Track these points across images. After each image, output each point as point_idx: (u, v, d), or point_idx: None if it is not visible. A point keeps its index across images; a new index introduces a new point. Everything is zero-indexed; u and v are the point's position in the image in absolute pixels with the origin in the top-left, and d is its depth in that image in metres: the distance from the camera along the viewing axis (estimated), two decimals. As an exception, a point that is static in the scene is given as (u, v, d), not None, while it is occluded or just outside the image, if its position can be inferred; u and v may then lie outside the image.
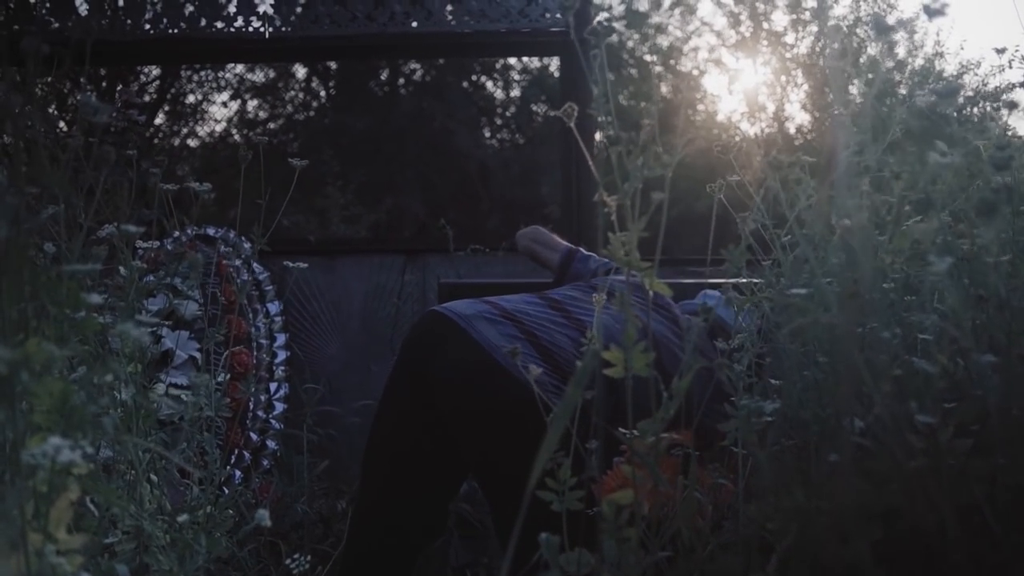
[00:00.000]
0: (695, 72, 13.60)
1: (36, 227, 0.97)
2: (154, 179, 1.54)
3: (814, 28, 11.10)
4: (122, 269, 1.38)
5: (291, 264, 1.70)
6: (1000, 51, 1.56)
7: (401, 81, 13.56)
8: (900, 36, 9.81)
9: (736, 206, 1.32)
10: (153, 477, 1.39)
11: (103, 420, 0.83)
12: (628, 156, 0.93)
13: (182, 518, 1.19)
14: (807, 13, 11.47)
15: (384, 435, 1.89)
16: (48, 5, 3.30)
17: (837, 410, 0.97)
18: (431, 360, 1.77)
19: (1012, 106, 1.59)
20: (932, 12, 0.90)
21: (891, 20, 0.92)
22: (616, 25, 13.59)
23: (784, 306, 1.09)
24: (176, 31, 3.42)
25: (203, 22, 3.44)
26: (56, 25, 3.41)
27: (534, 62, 12.83)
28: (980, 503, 0.93)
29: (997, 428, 0.93)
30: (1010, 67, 1.93)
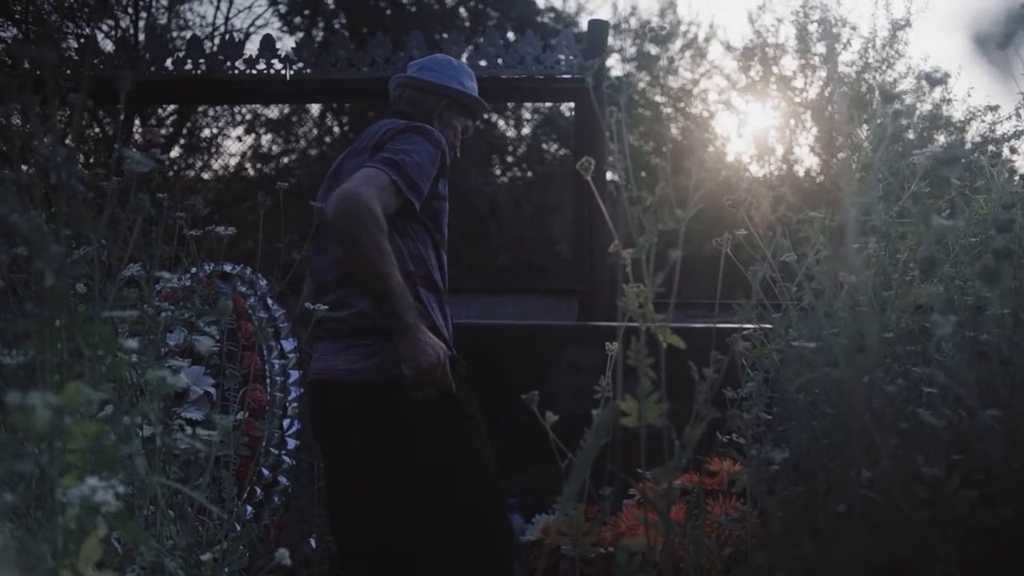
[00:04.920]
0: (705, 114, 13.73)
1: (75, 273, 1.01)
2: (180, 222, 1.59)
3: (823, 73, 11.21)
4: (148, 308, 1.42)
5: (313, 307, 1.74)
6: (993, 108, 1.60)
7: (414, 119, 13.68)
8: (906, 88, 9.91)
9: (746, 248, 1.36)
10: (170, 513, 1.42)
11: (136, 460, 0.86)
12: (644, 213, 0.97)
13: (205, 556, 1.21)
14: (816, 58, 11.59)
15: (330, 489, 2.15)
16: (76, 45, 3.38)
17: (845, 461, 0.99)
18: (318, 415, 2.09)
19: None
20: (934, 81, 0.94)
21: (899, 67, 0.96)
22: (628, 67, 13.76)
23: (793, 358, 1.12)
24: (198, 71, 3.50)
25: (224, 62, 3.52)
26: (76, 58, 3.50)
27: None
28: (985, 555, 0.95)
29: (1001, 481, 0.95)
30: (1019, 115, 1.95)
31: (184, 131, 12.37)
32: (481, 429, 2.01)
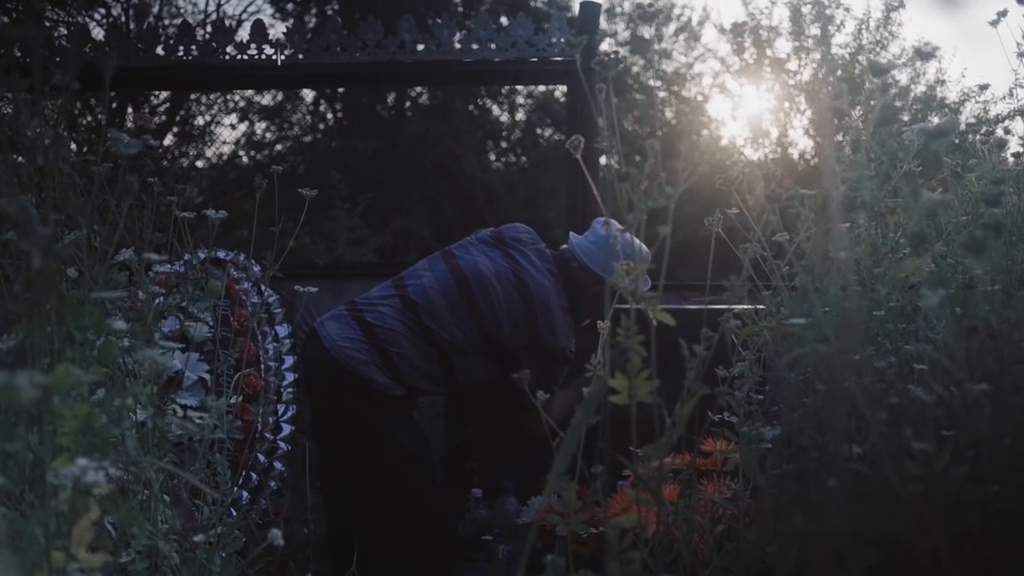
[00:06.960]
0: (699, 98, 13.69)
1: (63, 255, 1.01)
2: (172, 207, 1.59)
3: (817, 56, 11.18)
4: (140, 293, 1.41)
5: (302, 289, 1.74)
6: (983, 87, 1.60)
7: (407, 104, 13.66)
8: (899, 69, 9.89)
9: (741, 231, 1.35)
10: (165, 497, 1.42)
11: (127, 442, 0.86)
12: (634, 189, 0.97)
13: (199, 538, 1.22)
14: (810, 41, 11.55)
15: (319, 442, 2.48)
16: (64, 31, 3.35)
17: (835, 437, 0.99)
18: (306, 360, 2.49)
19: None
20: (924, 55, 0.94)
21: (893, 48, 0.96)
22: (621, 50, 13.71)
23: (784, 335, 1.12)
24: (189, 58, 3.48)
25: (216, 49, 3.49)
26: (67, 45, 3.47)
27: (540, 87, 12.90)
28: (974, 529, 0.95)
29: (990, 456, 0.96)
30: (1011, 95, 1.96)
31: (177, 119, 12.30)
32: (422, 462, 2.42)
